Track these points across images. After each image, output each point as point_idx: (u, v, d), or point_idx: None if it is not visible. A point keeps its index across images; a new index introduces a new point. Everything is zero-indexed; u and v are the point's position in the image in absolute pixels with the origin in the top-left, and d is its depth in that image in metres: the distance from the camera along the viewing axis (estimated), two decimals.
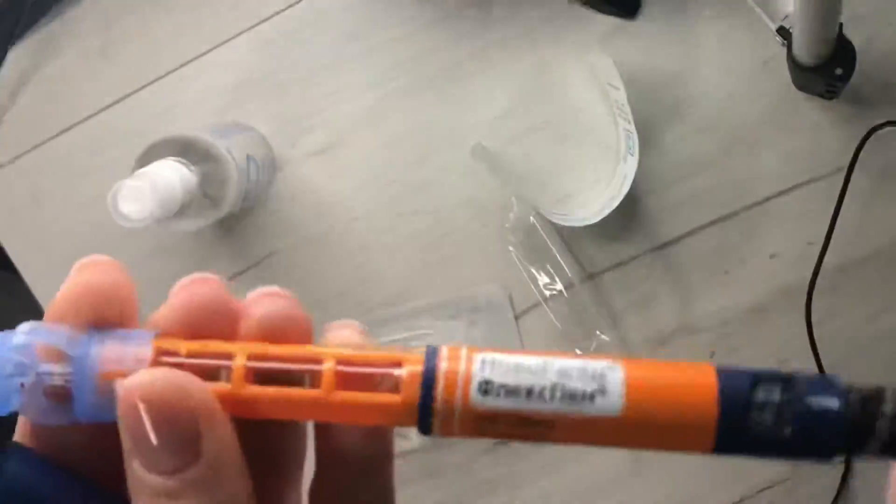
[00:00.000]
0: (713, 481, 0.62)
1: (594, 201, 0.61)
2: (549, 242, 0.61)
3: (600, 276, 0.62)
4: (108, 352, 0.21)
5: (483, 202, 0.63)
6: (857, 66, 0.56)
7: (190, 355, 0.21)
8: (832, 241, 0.59)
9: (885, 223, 0.60)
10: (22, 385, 0.20)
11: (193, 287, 0.22)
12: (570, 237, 0.62)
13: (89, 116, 0.66)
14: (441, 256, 0.63)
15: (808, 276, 0.59)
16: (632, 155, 0.58)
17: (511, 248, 0.62)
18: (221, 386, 0.21)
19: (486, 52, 0.63)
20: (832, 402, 0.19)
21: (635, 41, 0.62)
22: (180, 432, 0.20)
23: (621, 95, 0.58)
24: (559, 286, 0.62)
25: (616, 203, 0.59)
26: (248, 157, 0.59)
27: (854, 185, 0.59)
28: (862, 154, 0.59)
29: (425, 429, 0.20)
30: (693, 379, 0.20)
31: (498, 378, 0.20)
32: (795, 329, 0.60)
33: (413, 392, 0.20)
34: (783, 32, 0.59)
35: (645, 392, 0.20)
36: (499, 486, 0.64)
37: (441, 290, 0.63)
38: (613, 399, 0.19)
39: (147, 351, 0.21)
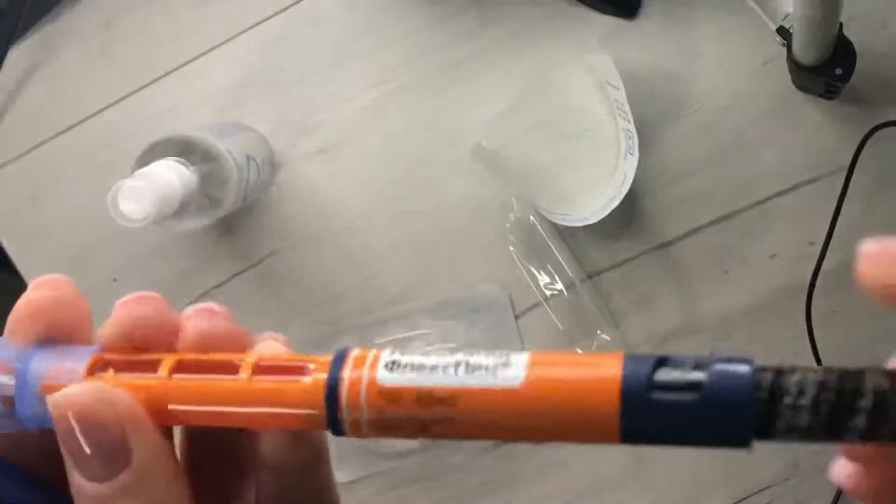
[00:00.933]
0: (713, 481, 0.62)
1: (594, 201, 0.61)
2: (549, 242, 0.61)
3: (600, 276, 0.62)
4: (48, 366, 0.22)
5: (483, 202, 0.63)
6: (857, 66, 0.56)
7: (121, 367, 0.22)
8: (832, 240, 0.58)
9: (886, 223, 0.60)
10: None
11: (133, 304, 0.23)
12: (570, 237, 0.62)
13: (89, 116, 0.66)
14: (441, 256, 0.63)
15: (809, 276, 0.59)
16: (632, 154, 0.58)
17: (511, 248, 0.62)
18: (148, 380, 0.22)
19: (486, 51, 0.63)
20: (743, 368, 0.19)
21: (635, 41, 0.62)
22: (109, 441, 0.21)
23: (621, 95, 0.58)
24: (559, 286, 0.62)
25: (616, 203, 0.59)
26: (248, 157, 0.59)
27: (854, 185, 0.59)
28: (862, 154, 0.59)
29: (337, 431, 0.21)
30: (598, 361, 0.20)
31: (405, 359, 0.21)
32: (795, 329, 0.60)
33: (318, 397, 0.21)
34: (783, 32, 0.59)
35: (547, 367, 0.20)
36: (498, 486, 0.64)
37: (441, 290, 0.63)
38: (516, 371, 0.20)
39: (82, 365, 0.22)
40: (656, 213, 0.62)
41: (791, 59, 0.57)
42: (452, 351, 0.21)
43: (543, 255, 0.62)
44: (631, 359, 0.20)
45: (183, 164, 0.54)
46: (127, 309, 0.23)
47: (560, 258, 0.61)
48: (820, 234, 0.59)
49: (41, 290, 0.23)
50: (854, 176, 0.59)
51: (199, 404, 0.22)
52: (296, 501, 0.25)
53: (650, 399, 0.19)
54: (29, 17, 0.66)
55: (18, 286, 0.66)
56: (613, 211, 0.58)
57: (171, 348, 0.23)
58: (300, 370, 0.21)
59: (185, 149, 0.54)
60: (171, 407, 0.22)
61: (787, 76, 0.60)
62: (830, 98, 0.60)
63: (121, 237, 0.64)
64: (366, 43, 0.64)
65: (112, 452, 0.21)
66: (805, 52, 0.55)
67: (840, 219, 0.59)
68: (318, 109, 0.64)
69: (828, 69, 0.56)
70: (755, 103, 0.61)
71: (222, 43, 0.65)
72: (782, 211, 0.61)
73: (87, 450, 0.21)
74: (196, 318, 0.23)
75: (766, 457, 0.61)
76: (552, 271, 0.62)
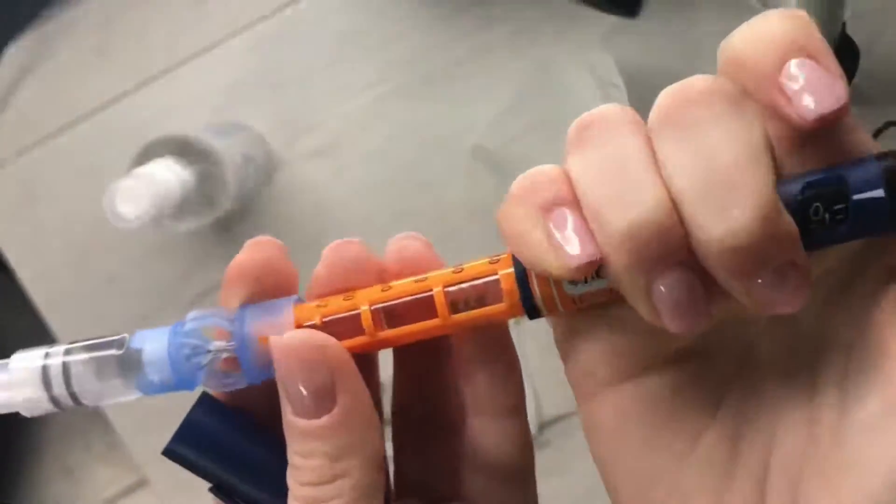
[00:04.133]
0: None
1: None
2: None
3: None
4: (259, 322, 0.25)
5: (483, 202, 0.63)
6: (860, 66, 0.56)
7: (324, 315, 0.25)
8: None
9: None
10: (202, 364, 0.25)
11: (338, 247, 0.27)
12: None
13: (85, 116, 0.66)
14: (441, 257, 0.63)
15: None
16: None
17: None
18: (356, 340, 0.24)
19: (486, 51, 0.63)
20: (878, 193, 0.21)
21: (636, 40, 0.61)
22: (318, 383, 0.23)
23: (622, 95, 0.58)
24: None
25: None
26: (246, 157, 0.59)
27: None
28: None
29: (535, 315, 0.23)
30: None
31: None
32: None
33: (514, 297, 0.23)
34: None
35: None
36: None
37: None
38: None
39: (289, 317, 0.25)
40: None
41: None
42: None
43: None
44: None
45: (180, 163, 0.54)
46: (335, 251, 0.26)
47: None
48: None
49: (248, 252, 0.26)
50: None
51: (404, 342, 0.25)
52: (497, 449, 0.28)
53: (805, 241, 0.21)
54: (25, 16, 0.66)
55: (13, 288, 0.66)
56: None
57: (374, 280, 0.26)
58: (489, 287, 0.24)
59: (182, 149, 0.54)
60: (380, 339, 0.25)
61: None
62: None
63: (118, 238, 0.63)
64: (365, 42, 0.64)
65: (321, 393, 0.23)
66: None
67: None
68: (317, 109, 0.64)
69: None
70: None
71: (220, 42, 0.65)
72: None
73: (303, 388, 0.23)
74: (396, 246, 0.27)
75: None
76: None
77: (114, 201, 0.50)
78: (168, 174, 0.52)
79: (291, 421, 0.24)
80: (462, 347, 0.27)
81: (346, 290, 0.25)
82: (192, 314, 0.25)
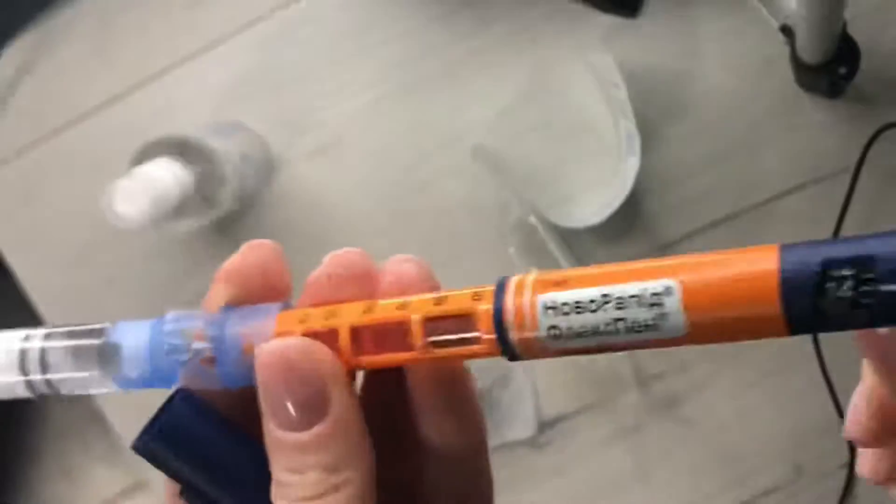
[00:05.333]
0: (717, 485, 0.62)
1: (595, 202, 0.61)
2: (549, 243, 0.61)
3: None
4: (240, 327, 0.24)
5: (483, 202, 0.62)
6: (861, 65, 0.56)
7: (304, 332, 0.24)
8: None
9: (890, 224, 0.59)
10: (180, 363, 0.24)
11: (340, 255, 0.26)
12: (570, 238, 0.62)
13: (84, 116, 0.66)
14: (440, 258, 0.63)
15: None
16: (633, 155, 0.57)
17: (511, 250, 0.62)
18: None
19: (486, 51, 0.63)
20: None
21: (637, 40, 0.61)
22: (309, 393, 0.22)
23: (622, 94, 0.57)
24: None
25: (617, 204, 0.58)
26: (245, 157, 0.59)
27: (858, 186, 0.58)
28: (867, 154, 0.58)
29: (513, 358, 0.22)
30: (753, 278, 0.20)
31: (563, 324, 0.21)
32: None
33: (491, 339, 0.22)
34: (786, 31, 0.58)
35: (705, 311, 0.20)
36: (501, 490, 0.63)
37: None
38: (676, 324, 0.21)
39: (271, 324, 0.24)
40: (658, 214, 0.61)
41: (794, 58, 0.57)
42: (601, 292, 0.21)
43: (544, 256, 0.61)
44: (789, 268, 0.19)
45: (179, 163, 0.53)
46: (336, 258, 0.26)
47: (561, 260, 0.61)
48: (823, 235, 0.59)
49: (243, 254, 0.26)
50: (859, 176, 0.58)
51: (375, 366, 0.24)
52: (453, 487, 0.27)
53: (816, 311, 0.19)
54: (25, 16, 0.66)
55: (13, 288, 0.66)
56: (615, 212, 0.58)
57: (371, 293, 0.25)
58: (469, 323, 0.23)
59: (181, 149, 0.54)
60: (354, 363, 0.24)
61: (791, 75, 0.59)
62: (834, 97, 0.59)
63: (117, 238, 0.63)
64: (365, 42, 0.64)
65: (311, 403, 0.22)
66: (808, 50, 0.55)
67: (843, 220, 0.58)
68: (316, 109, 0.64)
69: (831, 68, 0.56)
70: (758, 103, 0.61)
71: (219, 42, 0.65)
72: (785, 212, 0.61)
73: (289, 400, 0.22)
74: (395, 267, 0.26)
75: (770, 461, 0.61)
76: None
77: (113, 201, 0.50)
78: (167, 174, 0.52)
79: (279, 436, 0.23)
80: (419, 382, 0.26)
81: (339, 299, 0.25)
82: (171, 314, 0.25)
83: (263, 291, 0.25)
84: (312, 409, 0.22)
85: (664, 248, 0.61)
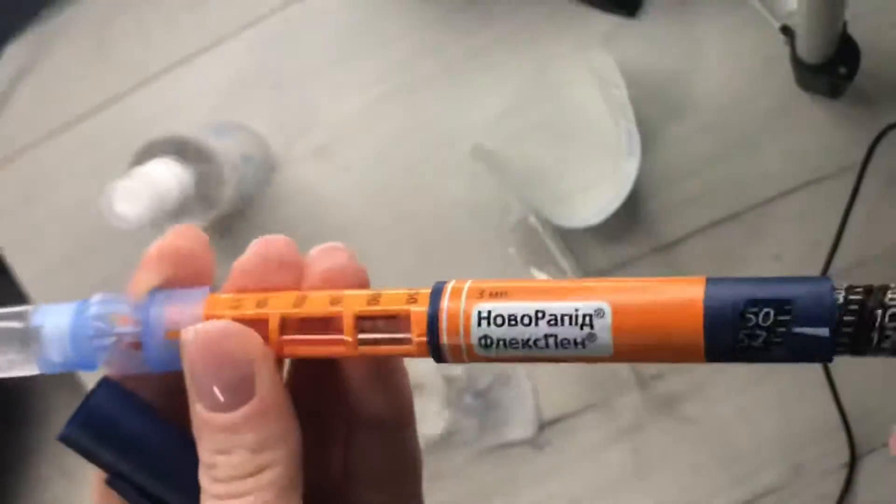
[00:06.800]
0: (714, 486, 0.62)
1: (595, 202, 0.61)
2: (549, 244, 0.61)
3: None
4: (168, 311, 0.24)
5: (483, 203, 0.62)
6: (862, 65, 0.56)
7: (234, 316, 0.24)
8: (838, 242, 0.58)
9: (891, 225, 0.59)
10: (103, 346, 0.24)
11: (267, 242, 0.26)
12: (570, 238, 0.62)
13: (84, 116, 0.66)
14: (440, 258, 0.63)
15: None
16: (633, 155, 0.57)
17: (511, 250, 0.62)
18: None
19: (486, 50, 0.63)
20: (822, 332, 0.20)
21: (637, 40, 0.61)
22: (236, 374, 0.23)
23: (623, 94, 0.57)
24: None
25: (618, 204, 0.58)
26: (245, 157, 0.59)
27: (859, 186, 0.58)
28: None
29: (439, 360, 0.23)
30: (679, 309, 0.21)
31: (495, 334, 0.22)
32: None
33: (421, 340, 0.23)
34: (786, 30, 0.58)
35: (633, 335, 0.21)
36: (498, 489, 0.63)
37: None
38: (604, 344, 0.21)
39: (199, 308, 0.24)
40: (658, 214, 0.61)
41: (794, 58, 0.57)
42: (534, 307, 0.22)
43: (544, 256, 0.61)
44: (712, 301, 0.21)
45: (179, 164, 0.53)
46: (262, 244, 0.26)
47: (561, 260, 0.61)
48: (824, 236, 0.58)
49: (170, 238, 0.25)
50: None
51: (304, 357, 0.24)
52: (383, 459, 0.27)
53: (735, 342, 0.21)
54: (25, 16, 0.66)
55: (12, 288, 0.66)
56: (615, 212, 0.58)
57: (296, 283, 0.25)
58: (400, 323, 0.23)
59: (181, 149, 0.54)
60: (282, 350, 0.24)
61: (791, 75, 0.59)
62: (834, 97, 0.59)
63: (116, 238, 0.63)
64: (364, 42, 0.64)
65: (238, 384, 0.23)
66: (809, 50, 0.55)
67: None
68: (316, 109, 0.64)
69: (832, 68, 0.56)
70: (758, 102, 0.61)
71: (219, 42, 0.65)
72: (786, 212, 0.60)
73: (215, 382, 0.23)
74: (322, 257, 0.26)
75: (769, 461, 0.61)
76: (553, 273, 0.61)
77: (112, 202, 0.50)
78: (167, 174, 0.52)
79: (206, 417, 0.23)
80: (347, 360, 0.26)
81: (264, 288, 0.25)
82: (97, 297, 0.25)
83: (189, 276, 0.25)
84: (239, 390, 0.23)
85: (664, 248, 0.61)
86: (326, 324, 0.24)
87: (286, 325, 0.24)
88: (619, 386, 0.62)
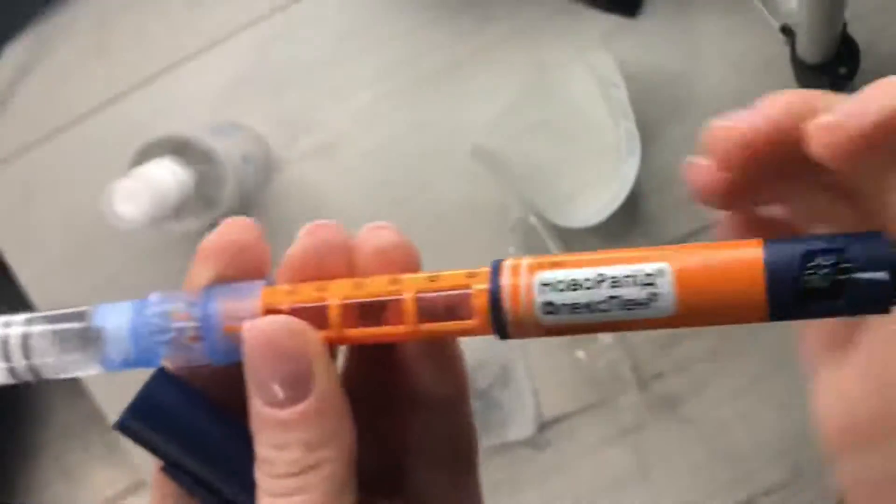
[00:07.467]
0: (716, 484, 0.62)
1: (595, 202, 0.61)
2: (549, 243, 0.61)
3: None
4: (226, 305, 0.24)
5: (483, 202, 0.62)
6: (862, 66, 0.56)
7: (293, 304, 0.24)
8: None
9: None
10: (164, 342, 0.24)
11: (317, 228, 0.26)
12: (570, 238, 0.62)
13: (84, 116, 0.65)
14: (440, 257, 0.62)
15: None
16: (633, 155, 0.57)
17: (511, 249, 0.62)
18: (319, 333, 0.24)
19: (486, 50, 0.63)
20: (882, 276, 0.20)
21: (637, 40, 0.61)
22: (294, 370, 0.23)
23: (623, 94, 0.57)
24: None
25: (618, 204, 0.58)
26: (245, 157, 0.59)
27: None
28: None
29: (504, 336, 0.23)
30: (740, 267, 0.21)
31: (558, 300, 0.22)
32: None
33: (484, 315, 0.23)
34: (786, 31, 0.58)
35: (695, 293, 0.21)
36: (499, 489, 0.63)
37: None
38: (666, 304, 0.22)
39: (256, 301, 0.24)
40: (658, 214, 0.61)
41: (794, 59, 0.57)
42: (596, 271, 0.22)
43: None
44: (773, 256, 0.21)
45: (179, 164, 0.53)
46: (312, 232, 0.26)
47: None
48: None
49: (221, 231, 0.25)
50: None
51: (367, 342, 0.24)
52: (441, 438, 0.27)
53: (797, 298, 0.21)
54: (25, 16, 0.66)
55: (12, 288, 0.66)
56: (615, 212, 0.58)
57: (349, 266, 0.25)
58: (461, 301, 0.23)
59: (181, 149, 0.54)
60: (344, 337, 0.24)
61: (791, 75, 0.59)
62: None
63: (116, 238, 0.63)
64: (364, 42, 0.64)
65: (296, 381, 0.23)
66: (809, 51, 0.55)
67: None
68: (316, 109, 0.64)
69: (832, 69, 0.56)
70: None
71: (219, 42, 0.65)
72: None
73: (273, 378, 0.23)
74: (371, 237, 0.26)
75: (769, 461, 0.61)
76: None
77: (112, 202, 0.50)
78: (167, 174, 0.52)
79: (264, 412, 0.23)
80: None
81: (318, 275, 0.25)
82: (154, 295, 0.25)
83: (245, 269, 0.25)
84: (297, 387, 0.23)
85: None
86: (385, 306, 0.24)
87: (346, 310, 0.24)
88: (619, 386, 0.62)
